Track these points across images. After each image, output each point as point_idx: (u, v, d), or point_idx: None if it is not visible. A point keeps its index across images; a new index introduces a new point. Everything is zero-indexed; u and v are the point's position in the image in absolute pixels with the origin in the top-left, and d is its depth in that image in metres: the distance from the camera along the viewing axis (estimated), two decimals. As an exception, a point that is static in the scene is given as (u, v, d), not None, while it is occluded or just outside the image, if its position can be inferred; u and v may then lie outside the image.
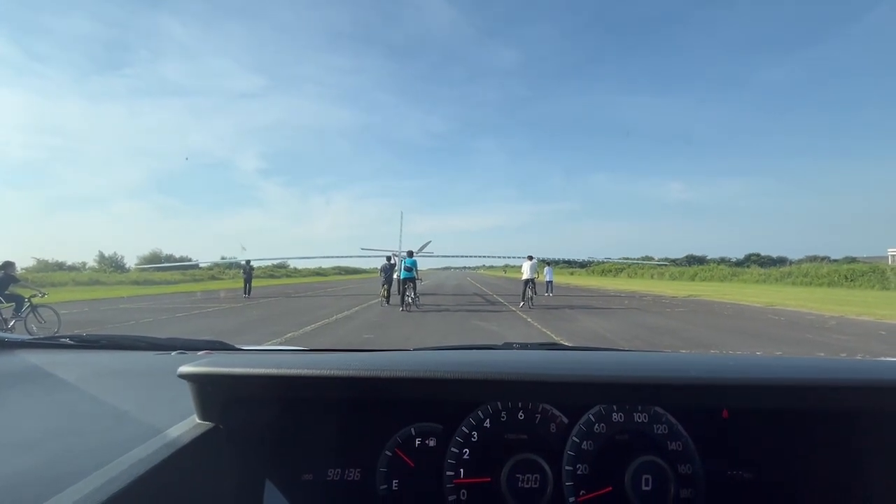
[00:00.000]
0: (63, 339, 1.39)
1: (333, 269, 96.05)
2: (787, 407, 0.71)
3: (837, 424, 0.74)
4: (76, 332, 1.44)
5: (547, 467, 0.75)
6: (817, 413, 0.74)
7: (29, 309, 8.34)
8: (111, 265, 52.61)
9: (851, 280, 24.77)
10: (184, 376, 0.65)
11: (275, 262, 64.13)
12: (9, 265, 8.37)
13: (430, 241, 41.37)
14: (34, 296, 8.50)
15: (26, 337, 1.43)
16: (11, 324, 7.99)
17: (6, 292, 8.09)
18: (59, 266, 45.61)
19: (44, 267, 43.20)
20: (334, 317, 10.90)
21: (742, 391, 0.65)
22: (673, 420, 0.79)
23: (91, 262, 53.44)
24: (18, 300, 8.25)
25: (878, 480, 0.71)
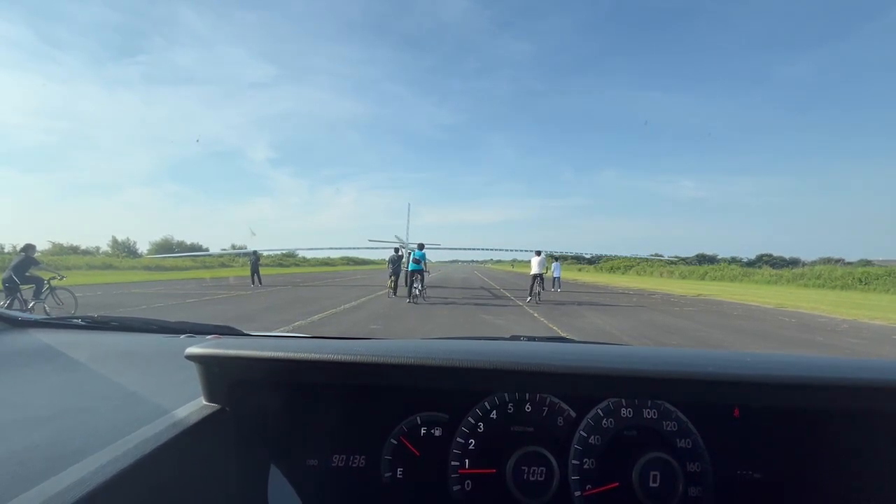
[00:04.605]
0: (75, 320, 1.41)
1: (341, 259, 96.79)
2: (800, 406, 0.69)
3: (849, 425, 0.72)
4: (88, 314, 1.47)
5: (553, 461, 0.74)
6: (829, 413, 0.72)
7: (48, 291, 8.52)
8: (124, 250, 53.58)
9: (866, 283, 24.25)
10: (191, 357, 0.65)
11: (284, 251, 64.71)
12: (29, 248, 8.53)
13: (439, 244, 40.99)
14: (53, 278, 8.67)
15: (40, 317, 1.46)
16: (31, 305, 8.16)
17: (26, 274, 8.26)
18: (74, 250, 46.60)
19: (59, 250, 44.13)
20: (342, 307, 10.97)
21: (756, 388, 0.64)
22: (683, 417, 0.77)
23: (105, 246, 54.57)
24: (38, 282, 8.41)
25: (891, 482, 0.69)
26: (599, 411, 0.78)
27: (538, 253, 13.65)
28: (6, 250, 34.82)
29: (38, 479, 0.45)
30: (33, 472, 0.48)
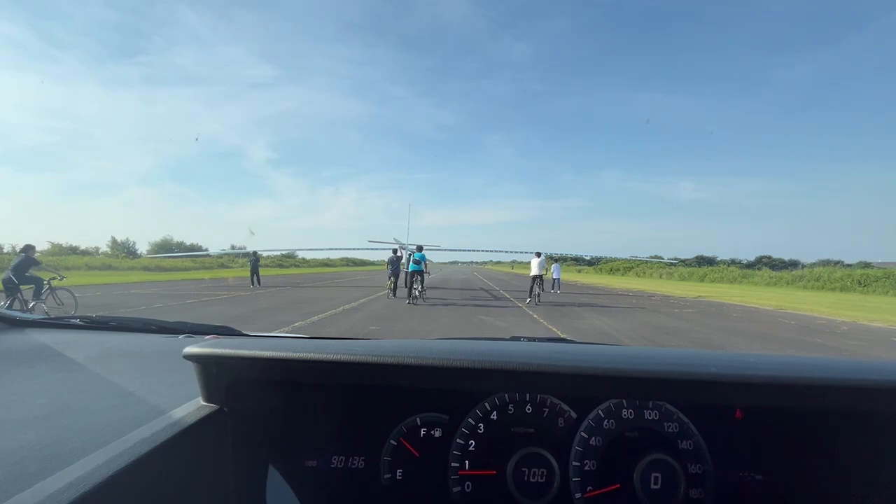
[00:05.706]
0: (73, 320, 1.41)
1: (341, 260, 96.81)
2: (802, 407, 0.69)
3: (851, 426, 0.72)
4: (87, 314, 1.47)
5: (554, 462, 0.73)
6: (830, 414, 0.72)
7: (48, 291, 8.52)
8: (124, 250, 53.51)
9: (865, 285, 24.26)
10: (189, 357, 0.64)
11: (283, 252, 64.66)
12: (29, 248, 8.54)
13: (438, 246, 41.30)
14: (53, 278, 8.68)
15: (39, 316, 1.45)
16: (31, 305, 8.16)
17: (26, 274, 8.25)
18: (73, 250, 46.50)
19: (58, 250, 44.05)
20: (341, 308, 10.96)
21: (758, 389, 0.63)
22: (684, 418, 0.77)
23: (104, 247, 54.50)
24: (38, 282, 8.41)
25: (892, 482, 0.68)
26: (600, 412, 0.77)
27: (538, 254, 13.66)
28: (6, 250, 34.78)
29: (33, 480, 0.45)
30: (29, 472, 0.47)
